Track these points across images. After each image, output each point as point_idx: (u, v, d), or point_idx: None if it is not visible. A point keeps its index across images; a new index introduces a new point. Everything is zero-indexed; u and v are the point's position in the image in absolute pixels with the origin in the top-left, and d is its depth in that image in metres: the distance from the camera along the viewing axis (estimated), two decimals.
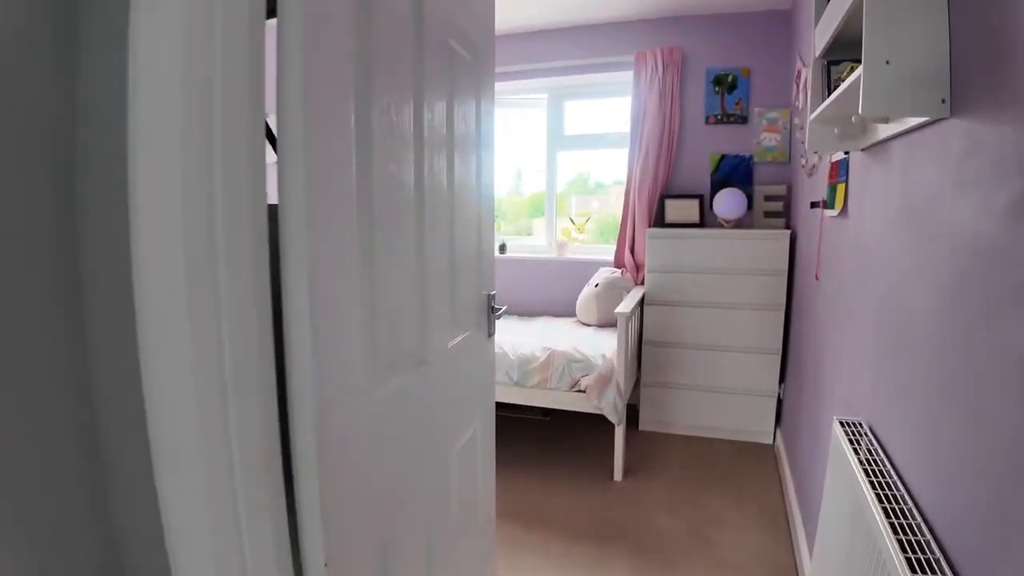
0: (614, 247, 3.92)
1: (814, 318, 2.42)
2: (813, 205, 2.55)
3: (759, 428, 3.35)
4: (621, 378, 2.84)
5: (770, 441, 3.34)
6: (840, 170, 2.02)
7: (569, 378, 2.95)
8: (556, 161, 4.23)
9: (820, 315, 2.28)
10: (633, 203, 3.75)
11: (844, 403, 1.76)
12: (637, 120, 3.74)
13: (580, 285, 3.91)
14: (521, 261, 4.23)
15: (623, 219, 3.82)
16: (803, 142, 2.94)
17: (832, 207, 2.11)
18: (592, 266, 3.94)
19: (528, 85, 4.17)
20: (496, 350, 3.26)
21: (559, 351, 3.02)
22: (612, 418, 2.82)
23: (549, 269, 4.14)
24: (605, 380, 2.87)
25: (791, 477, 2.72)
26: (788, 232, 3.18)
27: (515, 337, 3.34)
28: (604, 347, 3.09)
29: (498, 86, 4.39)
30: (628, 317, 2.83)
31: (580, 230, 4.25)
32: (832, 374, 1.99)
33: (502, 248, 4.31)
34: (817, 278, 2.34)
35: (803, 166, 2.85)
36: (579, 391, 2.93)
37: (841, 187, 1.99)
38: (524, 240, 4.48)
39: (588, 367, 2.93)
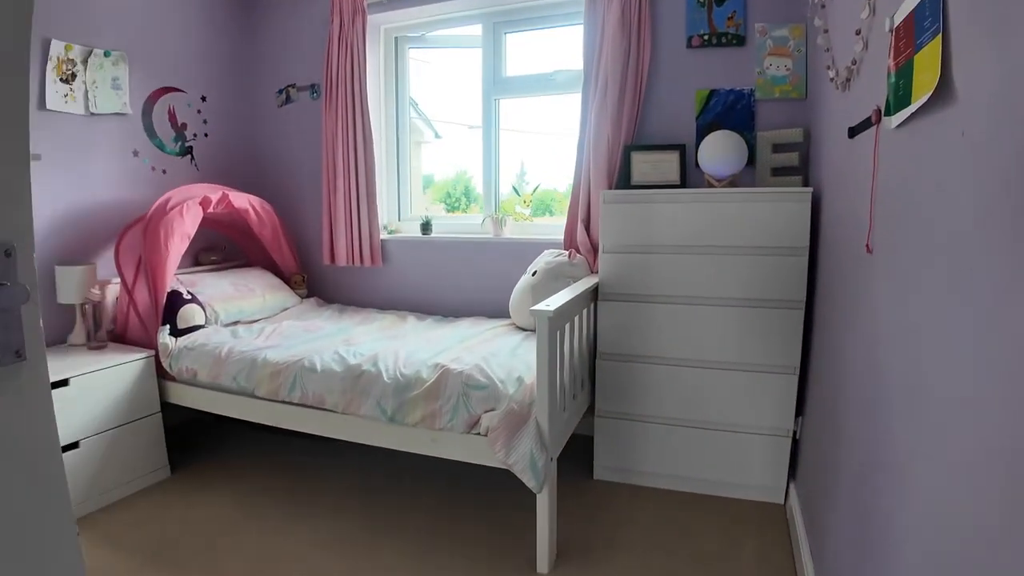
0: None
1: (865, 315, 1.37)
2: (854, 131, 1.51)
3: (764, 481, 2.29)
4: (544, 418, 1.80)
5: (780, 500, 2.28)
6: (923, 19, 0.97)
7: (466, 413, 1.90)
8: (494, 110, 3.18)
9: (879, 309, 1.23)
10: (587, 161, 2.70)
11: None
12: (592, 49, 2.69)
13: (521, 274, 2.86)
14: (447, 244, 3.19)
15: (575, 184, 2.77)
16: (828, 49, 1.90)
17: (905, 103, 1.06)
18: (540, 249, 2.89)
19: (457, 8, 3.13)
20: (368, 368, 2.15)
21: (456, 370, 1.97)
22: (529, 481, 1.78)
23: (483, 253, 3.10)
24: (518, 420, 1.82)
25: (811, 561, 1.68)
26: (808, 192, 2.13)
27: (407, 346, 2.30)
28: (529, 365, 2.05)
29: (422, 13, 3.39)
30: (551, 318, 1.78)
31: (526, 202, 3.20)
32: (920, 423, 0.93)
33: (425, 227, 3.28)
34: (869, 248, 1.29)
35: (832, 79, 1.79)
36: (480, 434, 1.89)
37: (928, 52, 0.95)
38: (462, 219, 3.42)
39: (494, 397, 1.89)
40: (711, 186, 2.40)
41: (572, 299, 2.02)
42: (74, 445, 2.20)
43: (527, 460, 1.76)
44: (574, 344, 2.19)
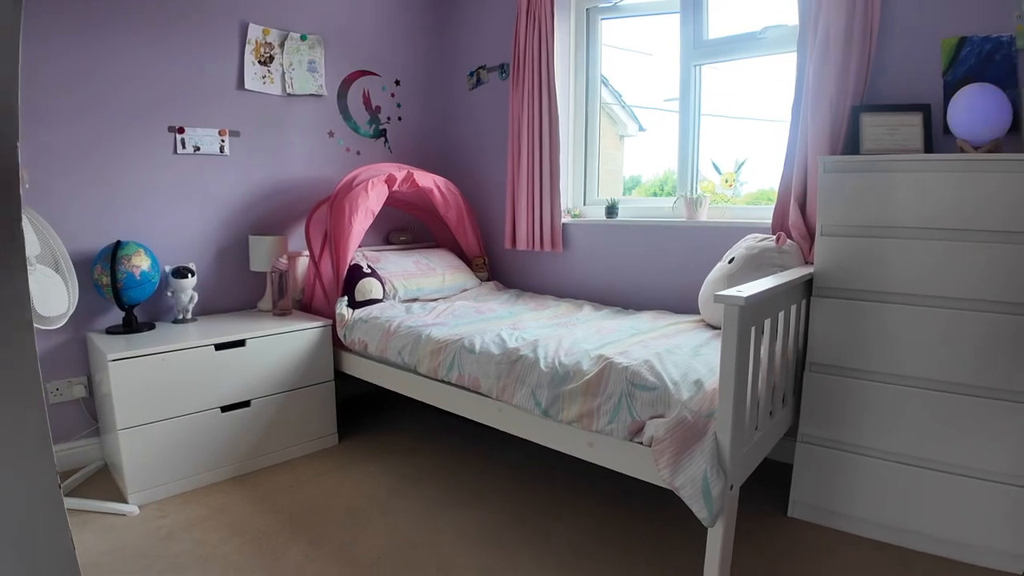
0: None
1: None
2: None
3: (1003, 544, 1.65)
4: (727, 435, 1.43)
5: (1020, 570, 1.64)
6: None
7: (629, 417, 1.60)
8: (694, 79, 2.80)
9: None
10: (804, 127, 2.21)
11: None
12: None
13: (716, 264, 2.46)
14: (632, 229, 2.87)
15: (788, 155, 2.29)
16: None
17: None
18: (742, 235, 2.45)
19: None
20: (526, 353, 1.88)
21: (620, 365, 1.68)
22: (699, 512, 1.43)
23: (672, 239, 2.74)
24: (691, 433, 1.48)
25: None
26: None
27: (573, 335, 2.07)
28: (713, 368, 1.69)
29: None
30: (742, 307, 1.41)
31: (728, 182, 2.77)
32: None
33: (611, 210, 3.00)
34: None
35: None
36: (643, 444, 1.58)
37: None
38: (651, 201, 3.08)
39: (663, 402, 1.56)
40: (963, 152, 1.80)
41: (774, 289, 1.61)
42: (245, 403, 2.32)
43: (699, 485, 1.42)
44: (775, 348, 1.77)
